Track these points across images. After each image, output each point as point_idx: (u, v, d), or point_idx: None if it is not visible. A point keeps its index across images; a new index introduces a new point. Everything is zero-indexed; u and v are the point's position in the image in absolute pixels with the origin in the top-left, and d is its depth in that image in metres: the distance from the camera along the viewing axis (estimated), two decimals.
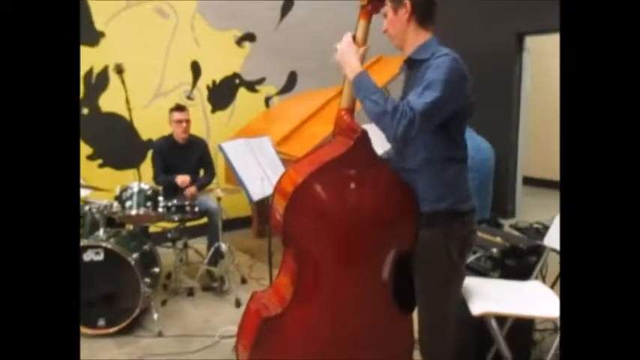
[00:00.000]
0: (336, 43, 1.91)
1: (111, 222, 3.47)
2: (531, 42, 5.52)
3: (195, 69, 4.99)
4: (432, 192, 1.82)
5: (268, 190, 2.69)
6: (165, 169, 3.91)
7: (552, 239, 2.23)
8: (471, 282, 2.10)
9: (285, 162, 3.20)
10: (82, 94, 4.26)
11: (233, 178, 4.46)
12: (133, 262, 3.04)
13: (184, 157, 3.98)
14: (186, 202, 3.66)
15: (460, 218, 1.86)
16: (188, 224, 3.95)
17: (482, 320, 2.09)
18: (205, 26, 4.97)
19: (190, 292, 3.72)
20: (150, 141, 4.57)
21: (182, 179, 3.79)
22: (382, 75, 3.78)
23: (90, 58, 4.27)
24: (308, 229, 1.82)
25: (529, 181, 6.35)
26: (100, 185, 3.72)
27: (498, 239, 2.51)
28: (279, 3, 5.44)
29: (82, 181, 3.58)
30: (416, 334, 1.97)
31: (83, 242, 3.05)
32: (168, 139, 4.00)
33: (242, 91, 5.34)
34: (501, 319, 2.08)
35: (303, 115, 4.42)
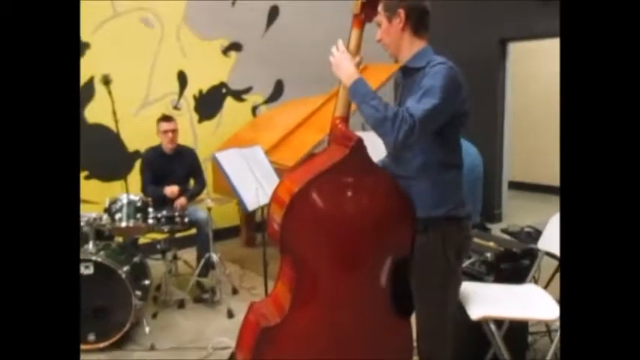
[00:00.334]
0: (327, 52, 1.91)
1: (99, 234, 3.42)
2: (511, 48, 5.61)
3: (182, 79, 4.96)
4: (429, 198, 1.84)
5: (263, 200, 2.69)
6: (154, 180, 3.87)
7: (547, 242, 2.26)
8: (467, 287, 2.11)
9: (275, 171, 3.19)
10: None
11: (221, 187, 4.47)
12: (124, 275, 3.00)
13: (173, 168, 3.95)
14: (176, 213, 3.62)
15: (457, 224, 1.88)
16: (176, 235, 3.91)
17: (478, 324, 2.11)
18: (191, 36, 4.96)
19: (181, 304, 3.68)
20: (137, 152, 4.52)
21: (171, 190, 3.76)
22: (370, 83, 3.79)
23: None
24: (306, 237, 1.82)
25: (513, 185, 6.43)
26: (87, 197, 3.67)
27: (491, 244, 2.53)
28: (264, 12, 5.44)
29: None
30: (414, 340, 1.98)
31: None
32: (157, 150, 3.97)
33: (229, 101, 5.32)
34: (498, 323, 2.10)
35: (292, 124, 4.42)
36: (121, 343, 3.08)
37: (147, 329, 3.16)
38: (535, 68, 6.71)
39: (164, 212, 3.60)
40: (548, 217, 2.96)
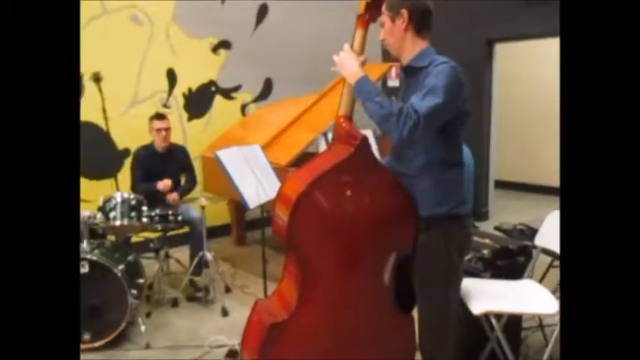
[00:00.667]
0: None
1: (92, 233, 3.39)
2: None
3: (171, 77, 4.94)
4: (431, 196, 1.87)
5: (263, 198, 2.70)
6: (145, 178, 3.84)
7: (544, 239, 2.32)
8: (467, 283, 2.15)
9: None
10: None
11: (212, 186, 4.46)
12: (119, 274, 2.99)
13: (165, 166, 3.93)
14: (170, 212, 3.60)
15: (459, 222, 1.92)
16: (168, 233, 3.89)
17: (475, 320, 2.16)
18: (181, 34, 4.93)
19: (175, 303, 3.67)
20: (126, 150, 4.49)
21: (164, 184, 3.74)
22: None
23: None
24: (312, 234, 1.84)
25: (499, 184, 6.53)
26: None
27: (487, 241, 2.58)
28: (254, 10, 5.44)
29: None
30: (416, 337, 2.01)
31: None
32: (149, 148, 3.94)
33: (218, 99, 5.31)
34: (497, 318, 2.15)
35: (283, 123, 4.42)
36: (117, 342, 3.07)
37: (142, 328, 3.15)
38: (520, 69, 6.82)
39: (157, 210, 3.58)
40: (535, 215, 3.03)
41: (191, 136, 5.07)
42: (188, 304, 3.69)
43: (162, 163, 3.93)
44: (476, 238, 2.63)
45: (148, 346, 3.06)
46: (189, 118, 5.13)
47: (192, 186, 4.07)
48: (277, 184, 2.90)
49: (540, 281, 2.60)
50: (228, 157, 2.70)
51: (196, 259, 3.70)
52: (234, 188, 2.64)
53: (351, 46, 1.94)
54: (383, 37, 1.94)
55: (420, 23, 1.89)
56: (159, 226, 3.62)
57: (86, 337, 2.98)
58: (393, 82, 5.93)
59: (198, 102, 5.17)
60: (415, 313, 2.00)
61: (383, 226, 1.88)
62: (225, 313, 3.51)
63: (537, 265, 2.57)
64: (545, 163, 6.83)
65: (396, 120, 1.69)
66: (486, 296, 2.11)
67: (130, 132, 4.43)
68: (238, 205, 4.95)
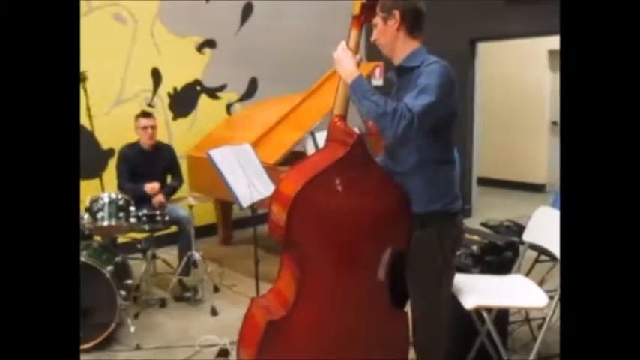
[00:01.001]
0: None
1: None
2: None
3: (156, 76, 4.90)
4: (425, 194, 1.91)
5: (256, 196, 2.71)
6: (132, 177, 3.81)
7: (532, 235, 2.39)
8: (458, 278, 2.19)
9: None
10: None
11: (199, 185, 4.45)
12: (108, 275, 2.96)
13: (152, 164, 3.90)
14: (157, 212, 3.59)
15: (452, 219, 1.96)
16: (155, 234, 3.87)
17: (467, 314, 2.20)
18: (165, 33, 4.90)
19: (163, 303, 3.65)
20: (111, 150, 4.45)
21: (151, 187, 3.71)
22: None
23: None
24: (309, 232, 1.86)
25: (481, 181, 6.63)
26: None
27: (476, 237, 2.64)
28: (238, 9, 5.43)
29: None
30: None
31: None
32: (135, 147, 3.91)
33: (203, 98, 5.29)
34: (487, 312, 2.19)
35: (270, 122, 4.41)
36: (106, 343, 3.04)
37: (132, 329, 3.12)
38: (502, 68, 6.93)
39: (145, 211, 3.56)
40: (519, 211, 3.10)
41: (176, 135, 5.04)
42: (177, 305, 3.68)
43: (148, 162, 3.90)
44: (465, 235, 2.69)
45: (138, 347, 3.05)
46: (174, 118, 5.10)
47: (179, 185, 4.05)
48: (269, 183, 2.92)
49: (527, 275, 2.65)
50: (220, 156, 2.70)
51: (185, 259, 3.69)
52: (227, 187, 2.65)
53: (347, 45, 1.97)
54: (375, 38, 1.97)
55: (412, 24, 1.93)
56: (146, 227, 3.60)
57: None
58: (377, 81, 5.98)
59: (183, 101, 5.14)
60: (408, 309, 2.04)
61: (379, 223, 1.92)
62: (214, 312, 3.50)
63: (524, 260, 2.63)
64: (526, 161, 6.95)
65: (391, 118, 1.72)
66: (478, 291, 2.16)
67: (114, 132, 4.39)
68: (224, 205, 4.95)
